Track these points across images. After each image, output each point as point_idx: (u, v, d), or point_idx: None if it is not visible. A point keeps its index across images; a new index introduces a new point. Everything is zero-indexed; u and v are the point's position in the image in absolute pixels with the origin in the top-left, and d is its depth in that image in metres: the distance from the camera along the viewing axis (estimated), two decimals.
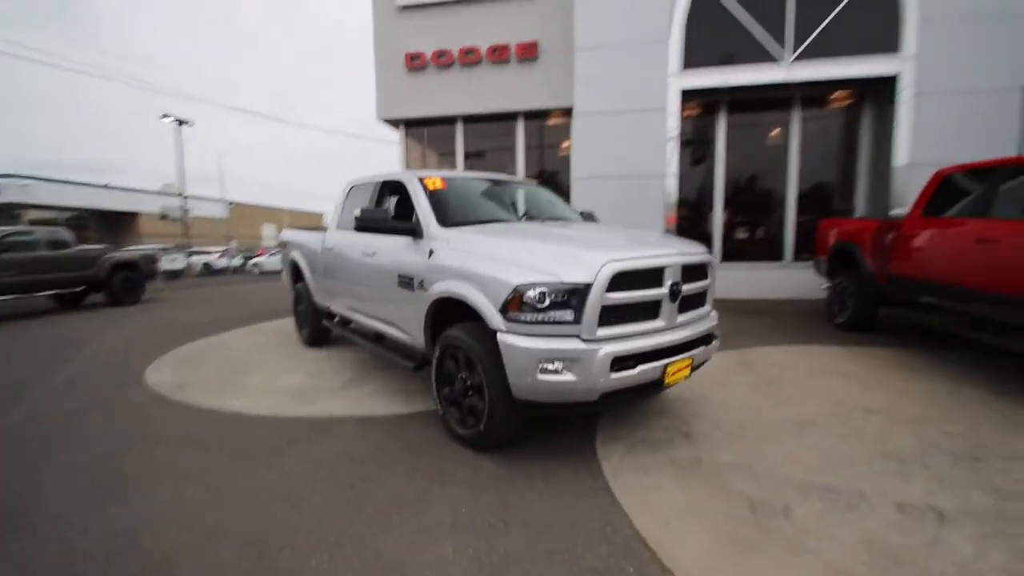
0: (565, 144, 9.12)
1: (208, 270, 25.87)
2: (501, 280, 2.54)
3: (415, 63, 8.95)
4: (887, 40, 7.11)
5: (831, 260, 5.98)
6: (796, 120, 8.23)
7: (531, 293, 2.43)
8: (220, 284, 18.22)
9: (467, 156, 9.38)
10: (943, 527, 2.03)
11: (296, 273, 5.70)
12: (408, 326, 3.43)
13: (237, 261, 27.42)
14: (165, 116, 23.17)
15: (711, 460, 2.67)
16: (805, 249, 8.12)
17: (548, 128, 9.19)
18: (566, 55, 8.34)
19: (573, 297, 2.42)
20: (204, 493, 2.46)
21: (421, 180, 3.66)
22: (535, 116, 9.03)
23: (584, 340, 2.44)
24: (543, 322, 2.45)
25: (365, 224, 3.42)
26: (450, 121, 9.29)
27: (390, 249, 3.60)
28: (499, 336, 2.54)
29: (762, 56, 7.48)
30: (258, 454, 2.90)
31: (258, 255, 24.61)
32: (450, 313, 3.02)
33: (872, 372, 4.09)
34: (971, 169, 4.38)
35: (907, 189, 7.22)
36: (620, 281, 2.49)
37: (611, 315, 2.50)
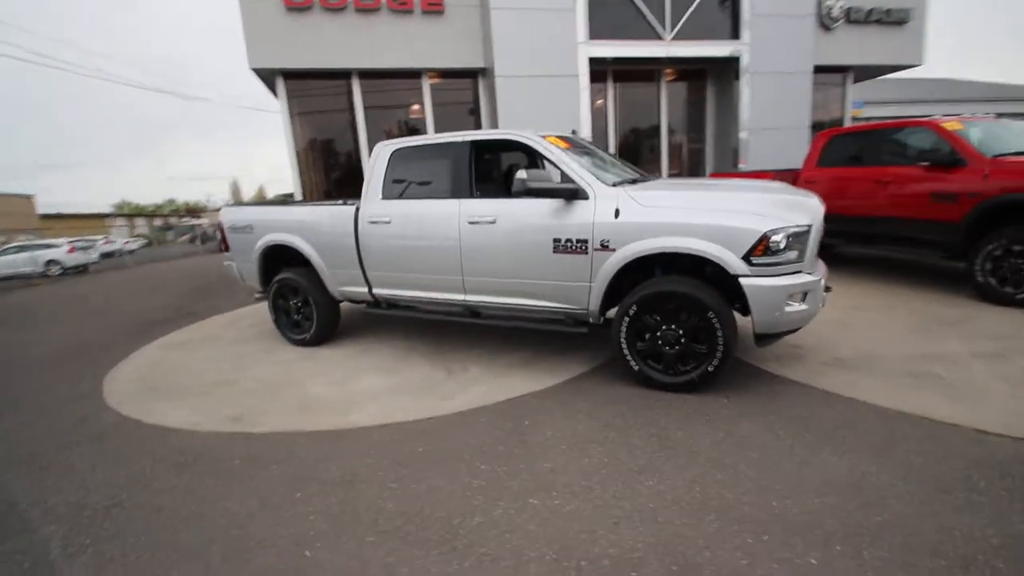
0: (466, 108, 8.96)
1: None
2: (745, 228, 2.77)
3: (296, 0, 7.50)
4: (733, 28, 8.92)
5: None
6: (664, 90, 9.73)
7: (776, 238, 2.75)
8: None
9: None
10: None
11: (272, 264, 4.63)
12: (566, 292, 3.32)
13: None
14: None
15: (856, 358, 3.44)
16: None
17: (454, 89, 8.85)
18: (474, 10, 8.11)
19: (799, 238, 2.83)
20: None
21: (545, 139, 3.47)
22: (441, 75, 8.59)
23: (808, 274, 2.89)
24: (780, 263, 2.80)
25: (535, 190, 3.14)
26: (343, 75, 8.15)
27: (527, 214, 3.36)
28: (743, 280, 2.79)
29: (650, 34, 8.58)
30: (498, 447, 2.60)
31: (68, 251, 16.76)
32: (631, 270, 3.10)
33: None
34: (849, 132, 6.10)
35: (747, 150, 9.38)
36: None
37: None
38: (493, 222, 3.46)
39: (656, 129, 9.89)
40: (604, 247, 3.11)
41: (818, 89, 9.81)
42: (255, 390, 3.69)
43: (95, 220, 41.95)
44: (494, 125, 8.49)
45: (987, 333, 3.69)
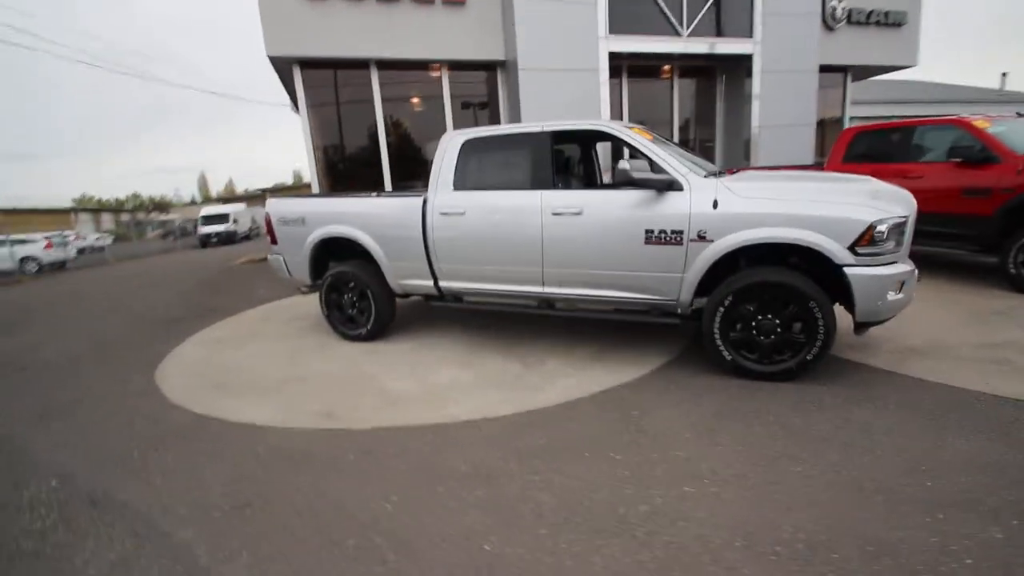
0: (485, 101, 8.89)
1: None
2: (853, 219, 2.83)
3: None
4: (746, 27, 9.07)
5: None
6: (676, 86, 9.84)
7: (880, 228, 2.82)
8: None
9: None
10: None
11: (322, 259, 4.53)
12: (656, 283, 3.34)
13: None
14: None
15: (927, 347, 3.56)
16: None
17: (470, 81, 8.76)
18: (494, 3, 8.04)
19: (898, 229, 2.90)
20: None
21: (631, 130, 3.46)
22: (460, 67, 8.48)
23: (905, 264, 2.97)
24: (882, 253, 2.88)
25: (637, 180, 3.13)
26: (361, 65, 7.96)
27: (615, 205, 3.35)
28: (848, 270, 2.85)
29: (667, 30, 8.65)
30: (619, 437, 2.60)
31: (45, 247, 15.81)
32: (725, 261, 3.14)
33: None
34: (875, 128, 6.29)
35: (757, 146, 9.58)
36: None
37: None
38: (579, 213, 3.44)
39: (668, 125, 9.99)
40: (701, 238, 3.13)
41: (820, 88, 10.08)
42: (330, 386, 3.59)
43: (58, 216, 39.97)
44: (514, 118, 8.44)
45: None
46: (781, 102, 9.40)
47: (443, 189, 3.91)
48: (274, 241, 4.72)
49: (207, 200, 70.72)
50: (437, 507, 2.13)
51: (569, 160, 4.39)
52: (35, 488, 2.53)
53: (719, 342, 3.20)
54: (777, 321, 3.06)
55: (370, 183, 8.20)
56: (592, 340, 4.09)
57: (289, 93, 9.36)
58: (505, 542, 1.89)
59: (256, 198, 45.96)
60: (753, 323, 3.12)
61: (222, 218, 24.60)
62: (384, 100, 8.23)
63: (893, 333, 3.80)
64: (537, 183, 3.63)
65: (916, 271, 3.04)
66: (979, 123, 5.16)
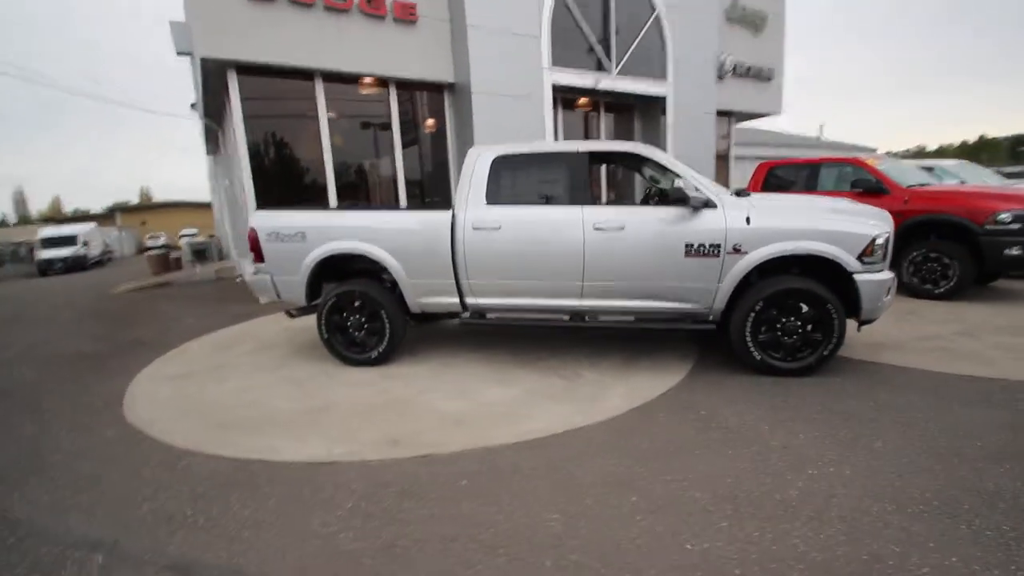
0: (430, 121, 8.83)
1: None
2: (861, 233, 3.39)
3: None
4: (661, 69, 10.21)
5: None
6: (602, 120, 10.69)
7: (879, 241, 3.42)
8: None
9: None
10: None
11: (318, 279, 4.18)
12: (693, 292, 3.62)
13: None
14: None
15: (889, 343, 4.30)
16: None
17: (417, 100, 8.64)
18: (444, 24, 8.10)
19: (886, 242, 3.54)
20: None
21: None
22: (408, 86, 8.33)
23: (890, 272, 3.61)
24: (877, 261, 3.48)
25: (689, 199, 3.41)
26: (306, 75, 7.45)
27: (655, 220, 3.60)
28: (856, 276, 3.40)
29: (599, 66, 9.41)
30: (710, 435, 2.80)
31: None
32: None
33: None
34: (784, 164, 7.47)
35: None
36: None
37: None
38: (621, 228, 3.63)
39: None
40: (736, 251, 3.49)
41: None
42: (369, 413, 3.29)
43: None
44: (463, 140, 8.49)
45: (942, 319, 4.87)
46: (688, 138, 10.66)
47: (475, 204, 3.85)
48: (260, 259, 4.19)
49: (24, 221, 58.97)
50: (601, 516, 2.10)
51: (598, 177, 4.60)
52: None
53: (750, 344, 3.57)
54: (799, 322, 3.51)
55: (314, 199, 7.63)
56: (613, 351, 4.27)
57: (208, 100, 8.41)
58: (699, 538, 1.93)
59: (106, 218, 39.74)
60: (778, 325, 3.54)
61: (68, 240, 20.70)
62: (329, 113, 7.76)
63: (851, 331, 4.52)
64: (576, 199, 3.76)
65: (895, 278, 3.70)
66: (871, 162, 6.42)
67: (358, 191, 8.39)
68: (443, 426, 3.05)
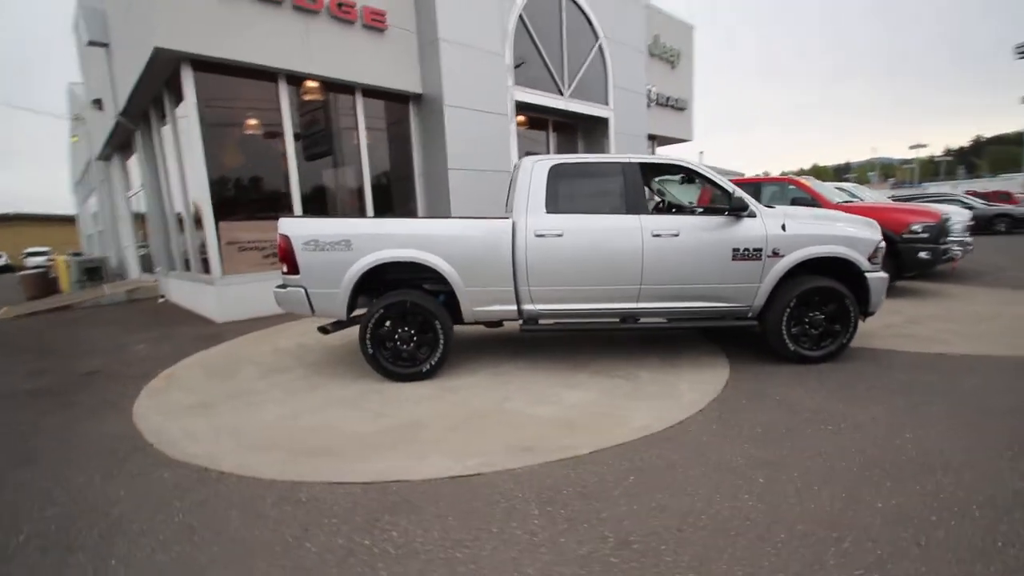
0: (395, 130, 8.60)
1: None
2: (871, 239, 4.01)
3: None
4: (603, 95, 10.97)
5: None
6: (552, 138, 11.16)
7: (881, 245, 4.08)
8: None
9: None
10: None
11: (358, 290, 3.93)
12: (738, 292, 4.00)
13: None
14: None
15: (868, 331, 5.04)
16: None
17: (380, 110, 8.35)
18: (412, 36, 8.01)
19: (882, 247, 4.22)
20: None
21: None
22: (374, 94, 8.03)
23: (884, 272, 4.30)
24: (878, 262, 4.14)
25: (747, 208, 3.77)
26: (269, 76, 6.88)
27: (705, 227, 3.94)
28: (869, 275, 4.01)
29: (554, 88, 9.87)
30: (801, 426, 3.13)
31: None
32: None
33: None
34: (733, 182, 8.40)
35: None
36: None
37: None
38: (676, 235, 3.91)
39: None
40: (775, 254, 3.95)
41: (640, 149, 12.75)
42: (463, 425, 3.16)
43: None
44: (429, 150, 8.38)
45: (887, 311, 5.79)
46: None
47: (535, 212, 3.90)
48: (293, 270, 3.81)
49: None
50: (784, 492, 2.27)
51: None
52: None
53: (785, 336, 4.03)
54: (822, 316, 4.04)
55: (279, 207, 7.01)
56: (646, 353, 4.52)
57: (138, 96, 7.40)
58: (891, 495, 2.18)
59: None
60: (806, 320, 4.04)
61: None
62: (293, 117, 7.22)
63: None
64: (632, 208, 3.97)
65: (888, 277, 4.41)
66: (805, 181, 7.51)
67: (324, 200, 7.87)
68: (559, 430, 3.04)
